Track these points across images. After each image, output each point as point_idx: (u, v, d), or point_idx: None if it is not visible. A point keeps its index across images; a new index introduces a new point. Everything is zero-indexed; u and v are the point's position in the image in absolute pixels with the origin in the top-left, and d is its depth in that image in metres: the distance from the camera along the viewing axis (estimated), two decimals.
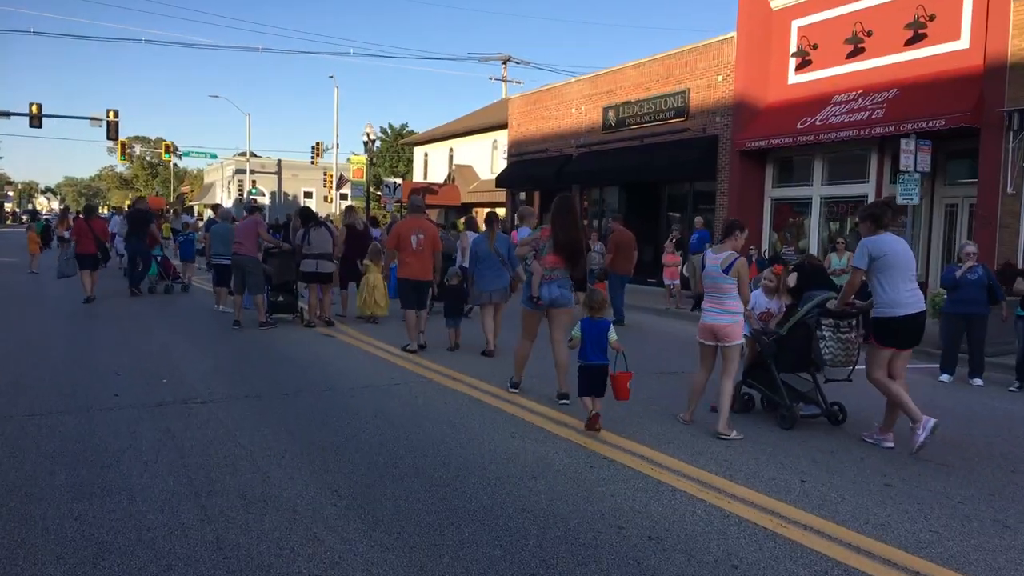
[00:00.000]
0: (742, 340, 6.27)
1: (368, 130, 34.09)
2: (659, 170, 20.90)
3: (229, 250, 13.83)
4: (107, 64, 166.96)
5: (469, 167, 38.12)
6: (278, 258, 11.84)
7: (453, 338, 10.23)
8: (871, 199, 16.35)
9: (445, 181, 38.52)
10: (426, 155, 43.39)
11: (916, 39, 15.49)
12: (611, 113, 22.94)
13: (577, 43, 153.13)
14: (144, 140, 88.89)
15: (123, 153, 55.05)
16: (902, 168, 12.87)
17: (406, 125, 58.86)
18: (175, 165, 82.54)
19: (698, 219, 18.57)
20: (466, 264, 12.52)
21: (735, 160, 18.78)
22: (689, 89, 20.13)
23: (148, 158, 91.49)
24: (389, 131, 57.43)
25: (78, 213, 18.78)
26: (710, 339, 6.43)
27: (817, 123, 16.58)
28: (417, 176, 43.66)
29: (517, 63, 51.55)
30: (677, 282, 16.71)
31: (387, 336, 10.78)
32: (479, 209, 36.55)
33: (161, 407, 6.51)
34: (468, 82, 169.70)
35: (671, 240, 18.25)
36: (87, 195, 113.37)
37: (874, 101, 15.80)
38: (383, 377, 7.99)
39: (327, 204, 52.15)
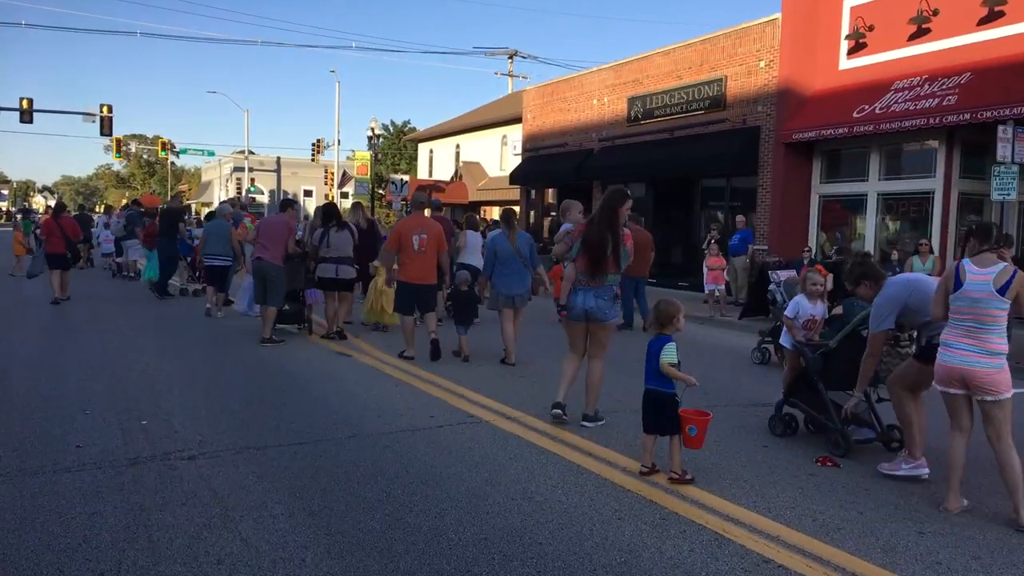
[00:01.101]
0: (1010, 393, 4.49)
1: (373, 124, 32.51)
2: (691, 165, 19.31)
3: (224, 250, 12.79)
4: (104, 61, 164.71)
5: (477, 164, 36.61)
6: (287, 263, 10.31)
7: (464, 347, 9.16)
8: (939, 195, 14.79)
9: (452, 178, 37.00)
10: (431, 152, 41.82)
11: (992, 17, 13.89)
12: (637, 104, 21.33)
13: (587, 38, 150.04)
14: (141, 138, 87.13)
15: (118, 150, 53.33)
16: (999, 159, 11.28)
17: (408, 122, 57.25)
18: (172, 163, 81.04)
19: (739, 218, 17.01)
20: (467, 261, 11.60)
21: (779, 153, 17.17)
22: (726, 76, 18.52)
23: (145, 156, 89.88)
24: (391, 128, 55.82)
25: (47, 210, 17.51)
26: (957, 387, 4.58)
27: (877, 111, 14.98)
28: (422, 173, 42.07)
29: (524, 58, 49.74)
30: (722, 287, 15.09)
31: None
32: (488, 208, 35.09)
33: (135, 466, 4.90)
34: (473, 78, 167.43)
35: (711, 240, 16.66)
36: (84, 194, 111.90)
37: (944, 87, 14.19)
38: (419, 414, 6.39)
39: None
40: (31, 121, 35.67)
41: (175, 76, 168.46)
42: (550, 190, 26.26)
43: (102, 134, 39.89)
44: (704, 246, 16.94)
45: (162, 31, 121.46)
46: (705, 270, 15.94)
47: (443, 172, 39.27)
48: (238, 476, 4.76)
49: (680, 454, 4.81)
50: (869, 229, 16.15)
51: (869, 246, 16.11)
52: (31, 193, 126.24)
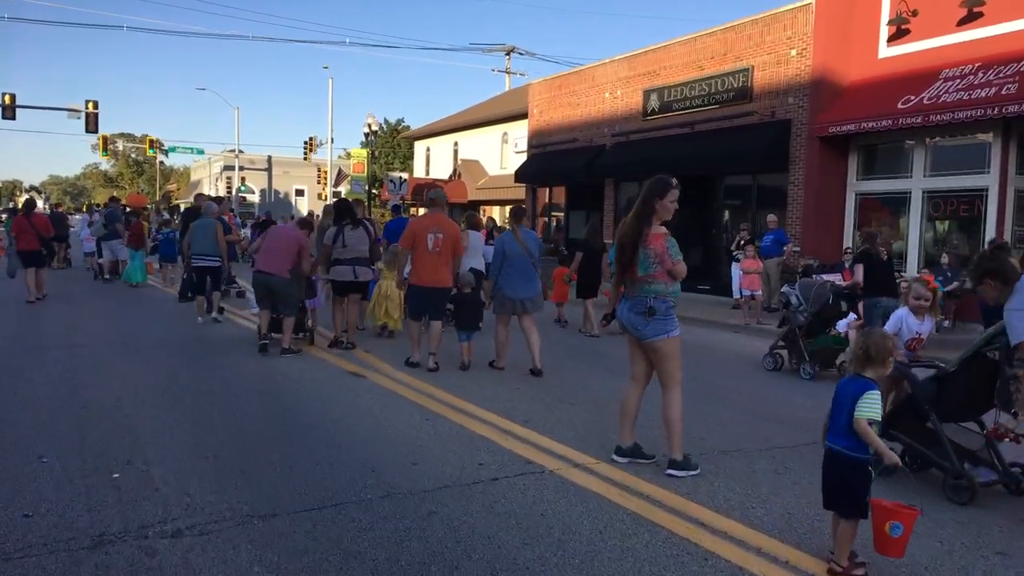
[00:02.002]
0: None
1: (370, 120, 31.21)
2: (714, 161, 18.07)
3: (213, 249, 11.73)
4: (90, 58, 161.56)
5: (476, 162, 35.43)
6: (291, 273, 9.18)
7: (465, 354, 8.47)
8: (993, 192, 13.62)
9: (450, 177, 35.79)
10: (428, 150, 40.59)
11: None
12: (653, 97, 20.10)
13: (587, 35, 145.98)
14: (129, 136, 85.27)
15: (105, 148, 51.75)
16: None
17: (402, 120, 55.97)
18: (161, 163, 79.42)
19: (771, 217, 15.79)
20: (474, 266, 10.68)
21: (812, 148, 15.97)
22: (753, 67, 17.31)
23: (134, 155, 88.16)
24: (384, 126, 54.53)
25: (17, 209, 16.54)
26: None
27: (925, 102, 13.79)
28: (419, 172, 40.81)
29: (522, 54, 48.90)
30: (759, 292, 13.85)
31: (431, 374, 7.95)
32: (487, 207, 33.86)
33: (99, 549, 3.63)
34: (469, 75, 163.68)
35: (741, 241, 15.48)
36: (72, 193, 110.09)
37: (1000, 75, 13.02)
38: (464, 459, 5.11)
39: (321, 202, 49.12)
40: (13, 117, 34.51)
41: (163, 73, 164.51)
42: (560, 188, 24.98)
43: (87, 131, 38.81)
44: (733, 247, 15.78)
45: (150, 25, 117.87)
46: (737, 273, 14.78)
47: (441, 170, 38.06)
48: (239, 566, 3.48)
49: (852, 540, 3.55)
50: (913, 229, 14.96)
51: (913, 248, 14.96)
52: (18, 192, 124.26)
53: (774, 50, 16.91)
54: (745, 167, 17.68)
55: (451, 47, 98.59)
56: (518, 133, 31.91)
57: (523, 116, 30.63)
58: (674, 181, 5.05)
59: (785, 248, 15.39)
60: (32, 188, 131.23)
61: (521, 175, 25.37)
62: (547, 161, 24.20)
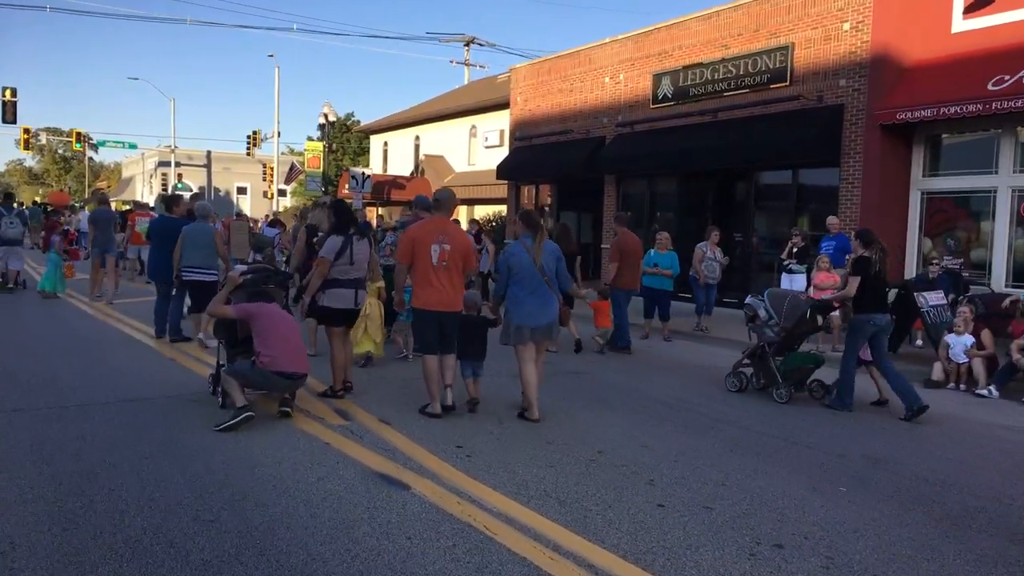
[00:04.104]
0: None
1: (327, 110, 28.00)
2: (743, 154, 15.55)
3: (207, 261, 9.41)
4: (9, 44, 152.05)
5: (440, 158, 32.63)
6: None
7: (471, 391, 7.04)
8: None
9: (412, 174, 32.82)
10: (386, 144, 37.54)
11: None
12: (665, 81, 17.53)
13: (552, 26, 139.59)
14: (55, 131, 79.59)
15: (26, 143, 47.18)
16: None
17: (352, 114, 52.42)
18: (90, 159, 74.26)
19: (832, 220, 13.23)
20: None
21: (872, 138, 13.57)
22: (793, 44, 14.84)
23: (61, 151, 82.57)
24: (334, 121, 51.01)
25: None
26: None
27: None
28: (375, 168, 37.62)
29: (481, 45, 45.76)
30: (834, 314, 11.25)
31: (494, 473, 5.14)
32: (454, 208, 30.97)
33: None
34: (424, 66, 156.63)
35: (795, 248, 12.98)
36: None
37: None
38: None
39: (267, 200, 45.48)
40: None
41: (91, 61, 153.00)
42: (550, 186, 22.19)
43: (5, 121, 35.42)
44: (784, 256, 13.26)
45: (75, 6, 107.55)
46: (795, 287, 12.26)
47: (401, 167, 35.06)
48: None
49: None
50: (1000, 235, 12.65)
51: (1000, 256, 12.65)
52: None
53: (821, 24, 14.45)
54: (784, 161, 15.17)
55: (405, 36, 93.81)
56: (488, 126, 29.24)
57: (495, 107, 27.94)
58: None
59: (847, 258, 12.87)
60: None
61: (503, 171, 22.54)
62: (534, 155, 21.43)
